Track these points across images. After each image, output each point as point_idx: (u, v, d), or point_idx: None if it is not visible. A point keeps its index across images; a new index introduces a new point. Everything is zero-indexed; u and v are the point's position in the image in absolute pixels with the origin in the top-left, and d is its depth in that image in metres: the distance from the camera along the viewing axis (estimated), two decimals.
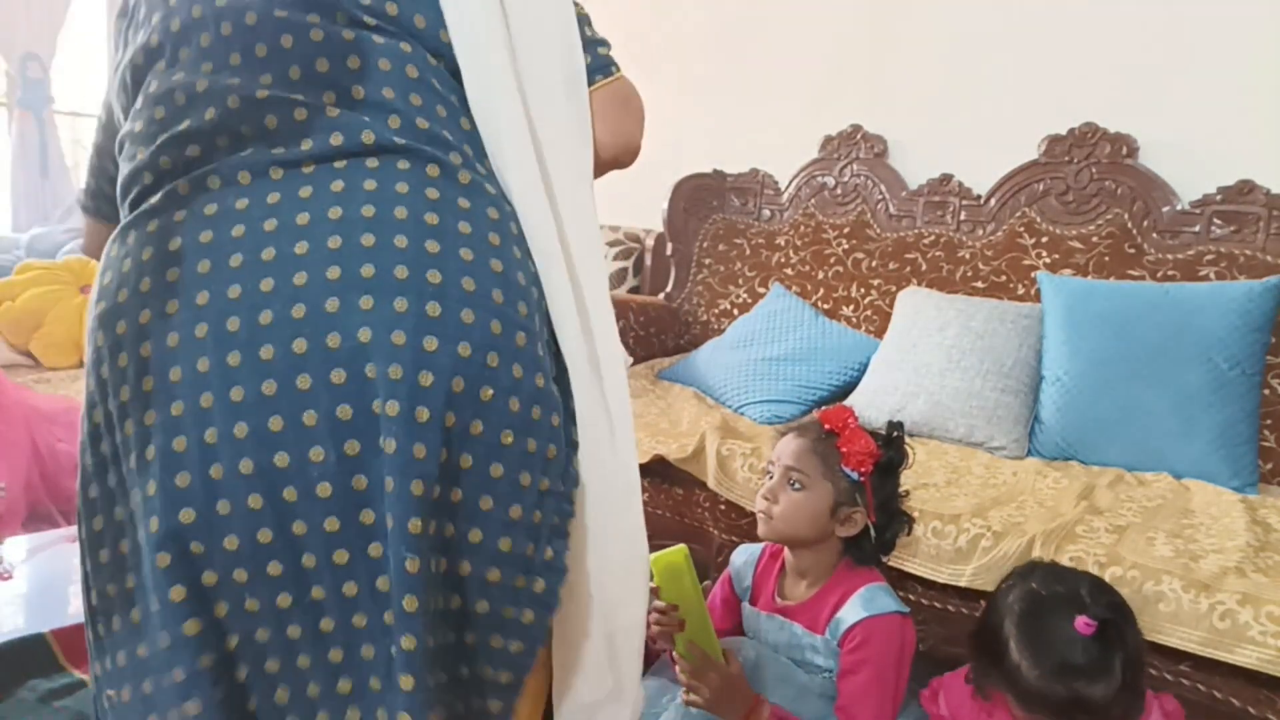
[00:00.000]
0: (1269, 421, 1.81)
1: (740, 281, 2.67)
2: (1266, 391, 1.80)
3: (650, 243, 2.91)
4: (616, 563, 0.87)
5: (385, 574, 0.74)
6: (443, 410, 0.72)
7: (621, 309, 2.57)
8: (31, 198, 4.17)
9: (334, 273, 0.72)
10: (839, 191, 2.54)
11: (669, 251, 2.79)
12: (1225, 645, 1.21)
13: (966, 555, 1.45)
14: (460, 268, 0.75)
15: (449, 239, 0.75)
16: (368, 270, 0.72)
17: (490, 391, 0.75)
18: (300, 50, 0.77)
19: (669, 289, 2.79)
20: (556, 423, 0.81)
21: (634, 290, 2.93)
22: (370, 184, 0.76)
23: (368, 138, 0.77)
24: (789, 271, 2.57)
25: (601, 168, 0.92)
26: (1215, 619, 1.22)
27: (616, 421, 0.87)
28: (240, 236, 0.74)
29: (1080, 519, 1.47)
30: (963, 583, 1.45)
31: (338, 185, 0.76)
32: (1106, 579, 1.31)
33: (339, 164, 0.77)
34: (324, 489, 0.71)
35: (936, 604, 1.52)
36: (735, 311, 2.63)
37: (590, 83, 0.88)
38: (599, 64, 0.90)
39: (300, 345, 0.71)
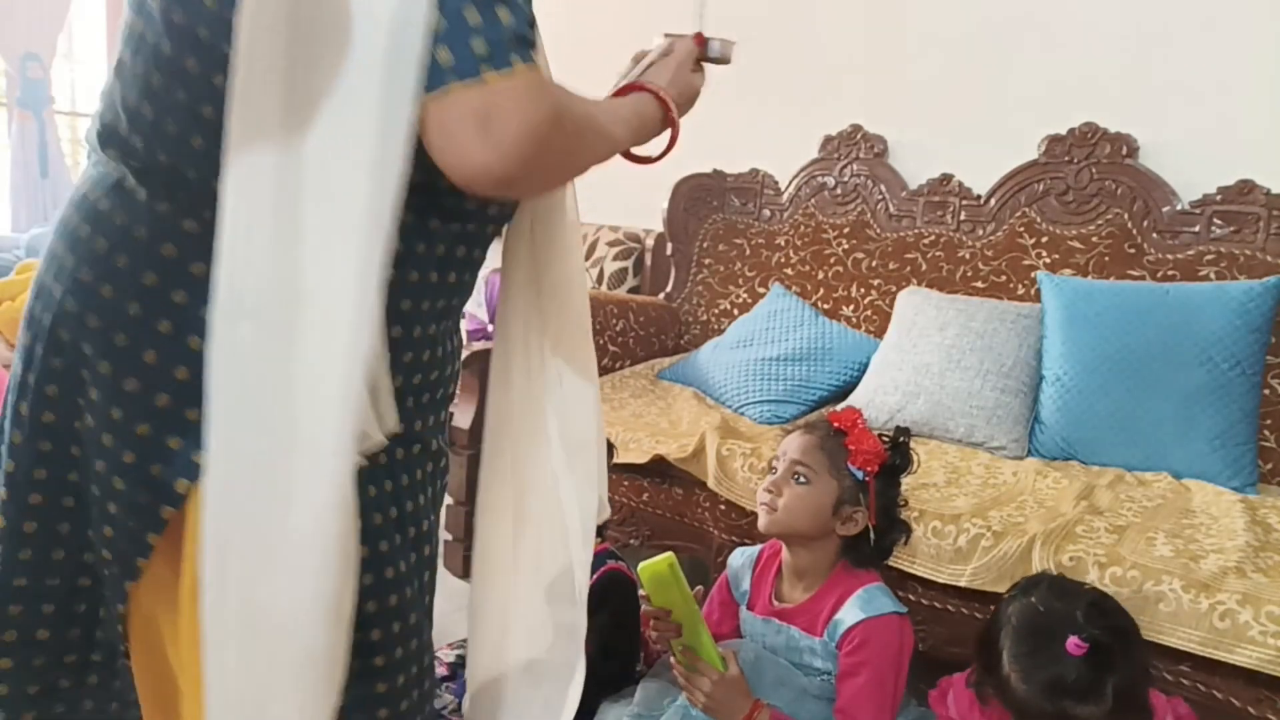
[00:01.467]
0: (1269, 421, 1.81)
1: (740, 281, 2.67)
2: (1266, 391, 1.80)
3: (650, 243, 2.91)
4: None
5: None
6: None
7: (621, 309, 2.57)
8: (31, 198, 4.17)
9: (47, 260, 0.79)
10: (839, 191, 2.54)
11: (669, 251, 2.79)
12: (1225, 645, 1.22)
13: (966, 555, 1.45)
14: (61, 273, 0.76)
15: (80, 250, 0.76)
16: (57, 263, 0.77)
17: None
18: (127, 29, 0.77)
19: (669, 289, 2.79)
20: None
21: (634, 290, 2.93)
22: (86, 182, 0.79)
23: (94, 134, 0.79)
24: (789, 271, 2.57)
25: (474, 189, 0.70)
26: (1215, 619, 1.23)
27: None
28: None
29: (1080, 519, 1.48)
30: (963, 583, 1.45)
31: (88, 174, 0.80)
32: (1106, 579, 1.31)
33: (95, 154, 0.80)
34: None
35: (936, 604, 1.52)
36: (735, 311, 2.63)
37: (438, 84, 0.63)
38: (462, 63, 0.63)
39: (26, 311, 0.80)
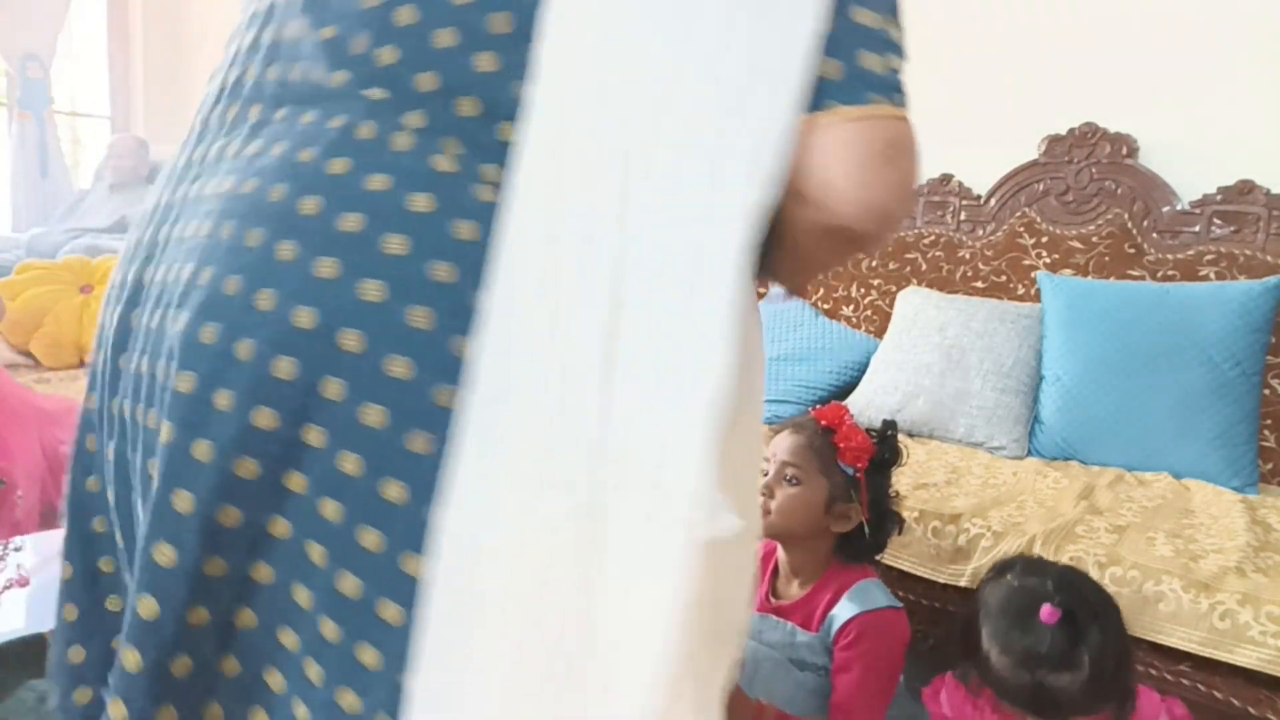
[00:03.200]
0: (1269, 421, 1.81)
1: None
2: (1266, 391, 1.80)
3: None
4: None
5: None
6: None
7: None
8: (31, 198, 4.17)
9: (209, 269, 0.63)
10: None
11: None
12: (1225, 645, 1.22)
13: (966, 555, 1.45)
14: None
15: (307, 232, 0.58)
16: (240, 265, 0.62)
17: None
18: None
19: None
20: None
21: None
22: (267, 149, 0.64)
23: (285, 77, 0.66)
24: None
25: (827, 234, 0.56)
26: (1215, 619, 1.23)
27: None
28: None
29: (1080, 519, 1.47)
30: (963, 583, 1.45)
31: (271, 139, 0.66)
32: (1107, 579, 1.31)
33: None
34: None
35: (936, 604, 1.52)
36: None
37: (821, 104, 0.52)
38: (854, 81, 0.53)
39: None
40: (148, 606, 0.55)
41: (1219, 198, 1.95)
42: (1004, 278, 2.20)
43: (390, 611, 0.52)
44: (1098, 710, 1.05)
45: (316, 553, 0.54)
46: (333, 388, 0.52)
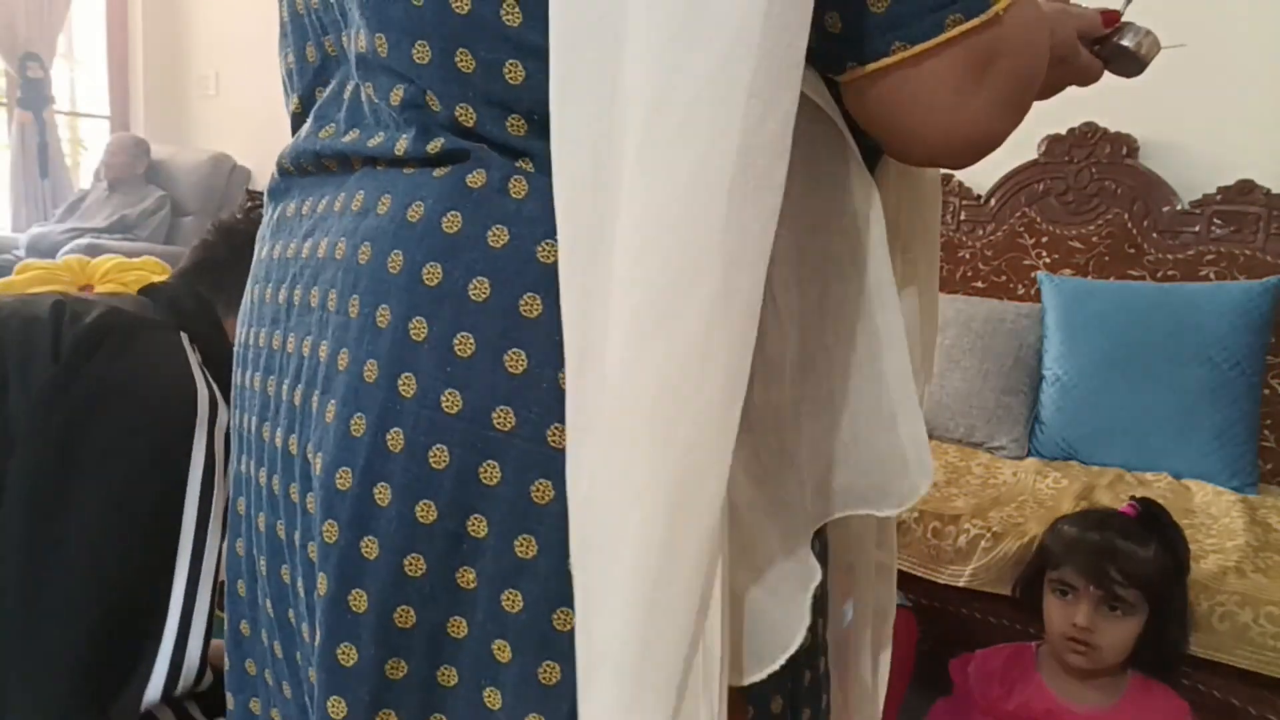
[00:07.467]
0: (1269, 421, 1.81)
1: None
2: (1266, 391, 1.80)
3: None
4: None
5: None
6: None
7: None
8: (31, 198, 4.17)
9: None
10: None
11: None
12: (1225, 645, 1.22)
13: (966, 555, 1.46)
14: None
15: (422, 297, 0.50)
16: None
17: None
18: None
19: None
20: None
21: None
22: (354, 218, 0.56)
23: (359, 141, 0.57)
24: None
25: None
26: (1215, 619, 1.23)
27: None
28: None
29: None
30: (962, 583, 1.45)
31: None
32: None
33: None
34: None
35: (937, 604, 1.52)
36: None
37: (885, 51, 0.41)
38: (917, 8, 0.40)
39: None
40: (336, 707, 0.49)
41: (1219, 198, 1.95)
42: (1004, 278, 2.20)
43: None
44: (1149, 603, 1.14)
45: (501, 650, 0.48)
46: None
